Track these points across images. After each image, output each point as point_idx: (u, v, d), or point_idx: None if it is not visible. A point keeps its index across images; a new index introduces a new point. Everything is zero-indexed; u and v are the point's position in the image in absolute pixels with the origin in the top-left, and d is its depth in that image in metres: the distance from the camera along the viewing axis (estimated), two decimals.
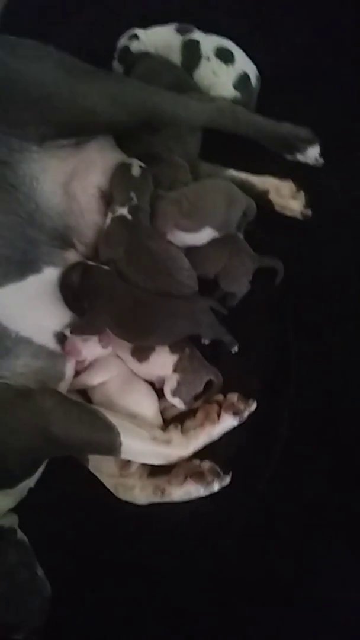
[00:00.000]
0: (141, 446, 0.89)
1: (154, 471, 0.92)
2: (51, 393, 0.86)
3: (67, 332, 0.90)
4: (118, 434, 0.86)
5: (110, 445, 0.87)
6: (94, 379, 0.94)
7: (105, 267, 0.93)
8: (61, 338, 0.91)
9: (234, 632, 0.90)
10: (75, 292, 0.89)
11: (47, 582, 0.86)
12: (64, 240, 0.95)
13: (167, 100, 1.02)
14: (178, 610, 0.92)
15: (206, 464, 0.90)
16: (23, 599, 0.84)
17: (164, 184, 1.00)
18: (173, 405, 0.95)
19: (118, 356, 0.96)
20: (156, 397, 0.95)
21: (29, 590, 0.84)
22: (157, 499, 0.90)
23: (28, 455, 0.84)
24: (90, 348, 0.91)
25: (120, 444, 0.86)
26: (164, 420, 0.95)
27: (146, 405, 0.93)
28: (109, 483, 0.92)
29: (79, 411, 0.87)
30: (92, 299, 0.89)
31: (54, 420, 0.83)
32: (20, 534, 0.88)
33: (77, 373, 0.94)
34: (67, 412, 0.85)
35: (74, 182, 0.96)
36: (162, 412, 0.95)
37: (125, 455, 0.88)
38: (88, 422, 0.86)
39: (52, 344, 0.90)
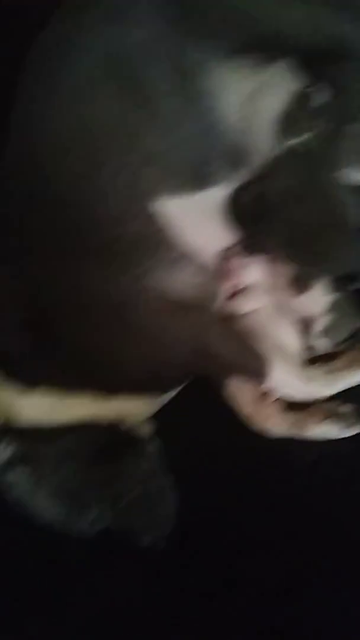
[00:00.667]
0: (286, 378, 0.88)
1: (291, 407, 0.92)
2: (210, 312, 0.86)
3: (231, 252, 0.89)
4: (268, 361, 0.86)
5: (258, 371, 0.86)
6: (246, 304, 0.92)
7: (281, 190, 0.90)
8: (223, 258, 0.89)
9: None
10: (246, 212, 0.88)
11: (175, 494, 0.87)
12: (237, 160, 0.92)
13: None
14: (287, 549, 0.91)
15: (347, 407, 0.90)
16: (153, 506, 0.86)
17: (347, 117, 0.96)
18: (315, 346, 0.93)
19: (273, 286, 0.94)
20: (302, 334, 0.93)
21: (158, 499, 0.86)
22: (291, 433, 0.90)
23: (179, 367, 0.85)
24: (249, 272, 0.89)
25: (268, 372, 0.86)
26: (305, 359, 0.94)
27: (293, 339, 0.92)
28: (243, 411, 0.93)
29: (234, 333, 0.87)
30: (263, 221, 0.87)
31: (211, 337, 0.83)
32: (155, 444, 0.89)
33: (230, 297, 0.93)
34: (224, 331, 0.85)
35: (253, 102, 0.93)
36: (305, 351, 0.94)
37: (270, 384, 0.88)
38: (242, 345, 0.86)
39: (213, 262, 0.89)
